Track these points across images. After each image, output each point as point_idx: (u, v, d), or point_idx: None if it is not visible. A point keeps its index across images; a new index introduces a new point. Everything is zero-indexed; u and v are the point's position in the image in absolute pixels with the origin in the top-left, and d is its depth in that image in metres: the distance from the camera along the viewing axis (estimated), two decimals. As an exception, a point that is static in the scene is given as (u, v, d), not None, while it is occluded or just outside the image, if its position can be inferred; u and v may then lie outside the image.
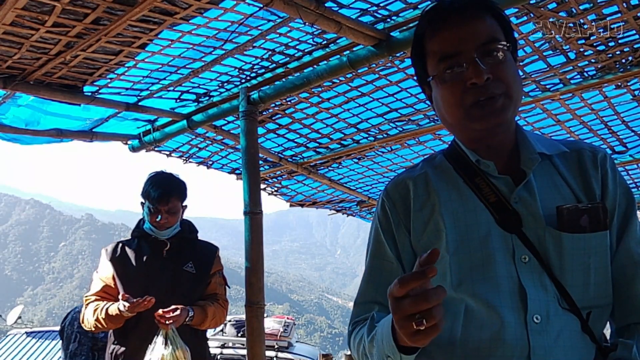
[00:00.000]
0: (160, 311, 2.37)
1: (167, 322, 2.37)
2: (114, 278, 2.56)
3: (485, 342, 0.99)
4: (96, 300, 2.56)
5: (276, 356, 5.77)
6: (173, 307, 2.40)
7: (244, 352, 4.97)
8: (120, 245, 2.65)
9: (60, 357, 4.00)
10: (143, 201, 2.63)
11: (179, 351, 2.36)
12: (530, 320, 0.98)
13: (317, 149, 4.17)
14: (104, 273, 2.59)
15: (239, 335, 5.96)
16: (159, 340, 2.38)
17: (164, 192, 2.56)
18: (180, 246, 2.65)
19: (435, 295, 0.81)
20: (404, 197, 1.13)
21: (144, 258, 2.58)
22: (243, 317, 2.86)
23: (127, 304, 2.35)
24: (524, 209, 1.04)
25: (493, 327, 0.99)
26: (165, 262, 2.59)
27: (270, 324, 6.03)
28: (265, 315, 2.98)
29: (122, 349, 2.52)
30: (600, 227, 1.02)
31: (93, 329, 2.53)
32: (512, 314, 0.99)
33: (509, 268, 1.02)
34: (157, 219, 2.55)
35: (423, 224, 1.10)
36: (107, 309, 2.46)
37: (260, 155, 3.79)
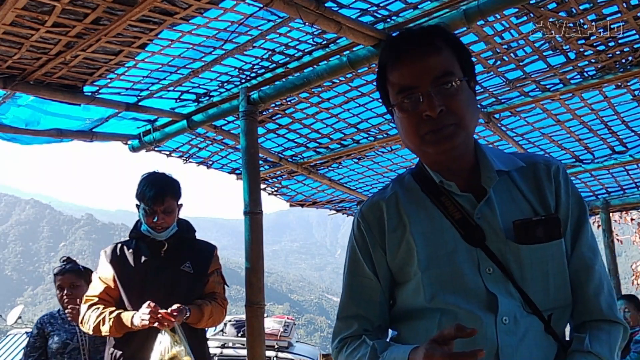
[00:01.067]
0: (163, 312, 2.37)
1: (172, 320, 2.37)
2: (114, 279, 2.56)
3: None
4: (98, 302, 2.55)
5: (276, 356, 5.76)
6: (174, 307, 2.41)
7: (244, 352, 4.97)
8: (120, 246, 2.65)
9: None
10: (138, 203, 2.62)
11: (183, 349, 2.37)
12: (500, 322, 1.07)
13: (317, 149, 4.17)
14: (105, 274, 2.58)
15: (239, 335, 5.95)
16: (164, 339, 2.38)
17: (158, 192, 2.54)
18: (178, 246, 2.64)
19: None
20: (378, 219, 1.22)
21: (142, 259, 2.58)
22: (243, 317, 2.86)
23: (147, 316, 2.33)
24: (486, 224, 1.13)
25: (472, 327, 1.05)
26: (163, 262, 2.59)
27: (270, 324, 6.02)
28: (265, 315, 2.98)
29: (122, 352, 2.52)
30: (555, 236, 1.12)
31: (92, 332, 2.52)
32: (485, 316, 1.08)
33: (475, 280, 1.11)
34: (154, 220, 2.55)
35: (397, 244, 1.19)
36: (118, 316, 2.44)
37: (260, 155, 3.79)
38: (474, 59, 2.97)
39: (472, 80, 1.18)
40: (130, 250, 2.60)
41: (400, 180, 1.27)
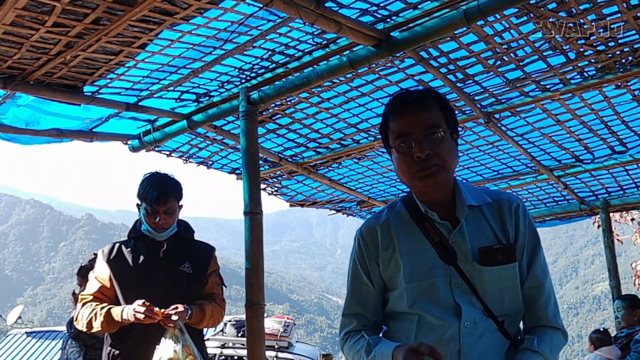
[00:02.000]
0: (161, 312, 2.37)
1: (173, 319, 2.37)
2: (110, 279, 2.55)
3: (431, 342, 1.34)
4: (92, 300, 2.55)
5: (276, 356, 5.76)
6: (174, 305, 2.40)
7: (244, 352, 4.96)
8: (117, 245, 2.64)
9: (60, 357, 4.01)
10: (139, 203, 2.62)
11: (187, 347, 2.37)
12: (462, 326, 1.38)
13: (317, 149, 4.17)
14: (101, 274, 2.58)
15: (239, 335, 5.95)
16: (167, 338, 2.38)
17: (162, 193, 2.54)
18: (177, 246, 2.64)
19: None
20: (374, 239, 1.53)
21: (141, 259, 2.58)
22: (243, 317, 2.85)
23: (141, 310, 2.33)
24: (458, 247, 1.43)
25: (437, 331, 1.39)
26: (162, 262, 2.59)
27: (270, 324, 6.01)
28: (265, 315, 2.98)
29: (118, 350, 2.51)
30: (510, 260, 1.42)
31: (85, 329, 2.52)
32: (452, 322, 1.38)
33: (446, 291, 1.41)
34: (156, 220, 2.55)
35: (388, 260, 1.49)
36: (108, 311, 2.44)
37: (260, 155, 3.79)
38: (474, 59, 2.98)
39: (454, 133, 1.49)
40: (129, 250, 2.60)
41: (393, 207, 1.56)
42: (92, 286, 2.59)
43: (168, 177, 2.64)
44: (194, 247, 2.71)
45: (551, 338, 1.43)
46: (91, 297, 2.55)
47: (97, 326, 2.46)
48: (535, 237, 1.49)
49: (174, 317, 2.36)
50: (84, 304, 2.56)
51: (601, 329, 5.09)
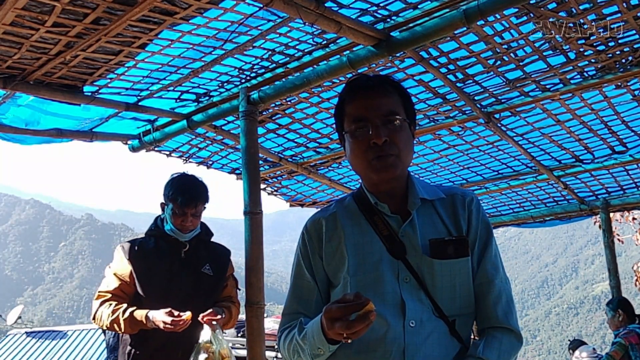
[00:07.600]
0: (206, 314, 2.43)
1: (214, 324, 2.43)
2: (131, 276, 2.55)
3: (373, 340, 1.29)
4: (111, 298, 2.53)
5: (276, 356, 5.75)
6: (210, 310, 2.45)
7: (244, 352, 4.96)
8: (138, 243, 2.64)
9: (60, 356, 3.99)
10: (166, 203, 2.63)
11: (224, 350, 2.42)
12: (407, 325, 1.29)
13: (317, 149, 4.17)
14: (121, 271, 2.57)
15: (239, 335, 5.95)
16: (203, 340, 2.42)
17: (193, 196, 2.58)
18: (197, 248, 2.67)
19: (358, 326, 1.12)
20: (318, 232, 1.46)
21: (164, 258, 2.59)
22: (243, 317, 2.87)
23: (168, 320, 2.35)
24: (408, 240, 1.36)
25: (380, 330, 1.29)
26: (184, 263, 2.61)
27: (270, 324, 6.00)
28: (265, 315, 2.98)
29: (139, 351, 2.53)
30: (463, 254, 1.35)
31: (104, 328, 2.51)
32: (394, 320, 1.30)
33: (394, 286, 1.33)
34: (183, 222, 2.57)
35: (332, 252, 1.42)
36: (132, 314, 2.44)
37: (260, 155, 3.79)
38: (474, 59, 2.98)
39: (412, 125, 1.44)
40: (151, 249, 2.62)
41: (341, 201, 1.51)
42: (110, 282, 2.57)
43: (197, 180, 2.68)
44: (212, 249, 2.76)
45: (500, 342, 1.32)
46: (110, 295, 2.54)
47: (119, 328, 2.47)
48: (488, 231, 1.43)
49: (215, 323, 2.43)
50: (102, 302, 2.54)
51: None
